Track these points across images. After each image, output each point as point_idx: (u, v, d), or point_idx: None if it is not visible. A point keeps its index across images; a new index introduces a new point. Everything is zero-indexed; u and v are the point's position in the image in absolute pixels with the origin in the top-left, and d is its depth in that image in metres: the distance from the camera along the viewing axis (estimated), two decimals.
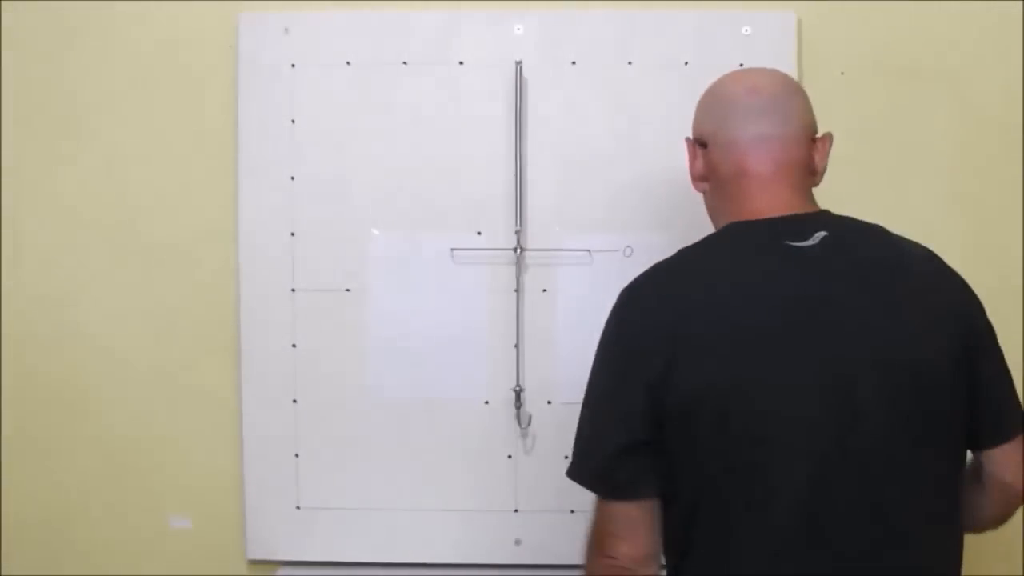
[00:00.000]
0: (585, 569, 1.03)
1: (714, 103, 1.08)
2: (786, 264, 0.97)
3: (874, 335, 0.95)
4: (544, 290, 1.51)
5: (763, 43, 1.48)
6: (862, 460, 0.93)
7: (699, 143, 1.08)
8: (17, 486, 1.59)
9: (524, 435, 1.52)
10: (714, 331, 0.95)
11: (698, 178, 1.09)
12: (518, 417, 1.51)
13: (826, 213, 1.03)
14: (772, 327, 0.94)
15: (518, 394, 1.50)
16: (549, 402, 1.52)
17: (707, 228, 1.47)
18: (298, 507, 1.54)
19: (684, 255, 1.04)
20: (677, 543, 1.00)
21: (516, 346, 1.51)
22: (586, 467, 1.02)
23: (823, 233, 0.98)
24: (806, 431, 0.93)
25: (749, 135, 1.03)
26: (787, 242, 0.98)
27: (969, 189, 1.52)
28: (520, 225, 1.49)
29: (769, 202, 1.02)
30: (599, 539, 1.01)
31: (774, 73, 1.08)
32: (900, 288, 0.98)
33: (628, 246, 1.50)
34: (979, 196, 1.51)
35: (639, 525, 0.98)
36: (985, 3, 1.50)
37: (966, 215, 1.51)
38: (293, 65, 1.51)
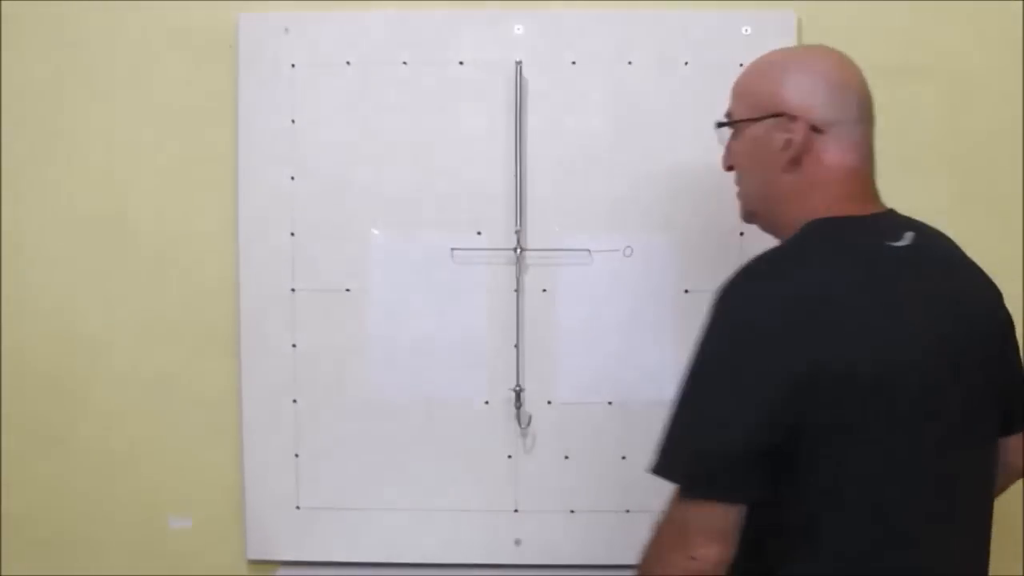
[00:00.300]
0: (654, 567, 1.00)
1: (837, 91, 1.04)
2: (889, 263, 0.99)
3: (966, 333, 1.00)
4: (544, 290, 1.51)
5: (763, 43, 1.45)
6: (952, 457, 0.99)
7: (814, 128, 1.03)
8: (17, 486, 1.59)
9: (524, 435, 1.52)
10: (845, 330, 0.94)
11: (791, 160, 1.04)
12: (518, 417, 1.51)
13: (895, 212, 1.08)
14: (896, 325, 0.96)
15: (518, 394, 1.50)
16: (549, 402, 1.52)
17: (707, 228, 1.48)
18: (298, 507, 1.54)
19: (790, 251, 1.02)
20: (777, 549, 0.97)
21: (516, 346, 1.51)
22: (693, 464, 0.97)
23: (911, 233, 1.02)
24: (935, 436, 0.96)
25: (860, 132, 1.05)
26: (887, 242, 1.01)
27: (969, 189, 1.52)
28: (520, 225, 1.49)
29: (863, 199, 1.05)
30: (684, 538, 0.97)
31: (858, 67, 1.08)
32: (968, 285, 1.05)
33: (628, 246, 1.50)
34: (979, 196, 1.51)
35: (732, 529, 0.95)
36: (985, 3, 1.50)
37: (966, 215, 1.50)
38: (293, 65, 1.51)
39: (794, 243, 1.02)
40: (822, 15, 1.49)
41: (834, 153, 1.04)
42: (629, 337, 1.50)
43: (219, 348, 1.55)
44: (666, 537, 1.00)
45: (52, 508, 1.59)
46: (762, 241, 1.51)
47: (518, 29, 1.50)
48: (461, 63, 1.50)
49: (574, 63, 1.50)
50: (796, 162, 1.04)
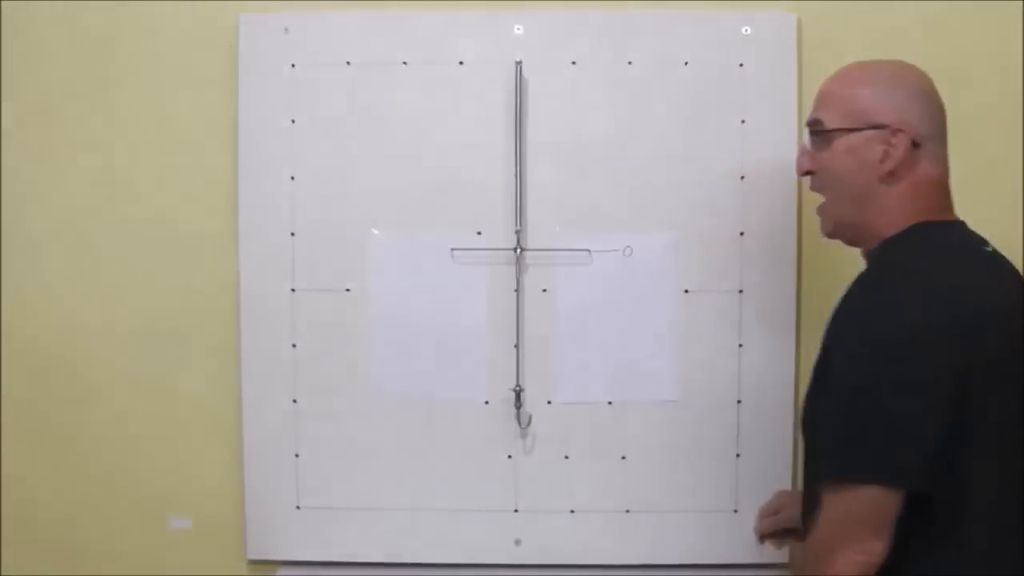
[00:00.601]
0: (824, 567, 1.00)
1: (930, 105, 1.12)
2: (990, 266, 1.09)
3: None
4: (544, 290, 1.51)
5: (763, 43, 1.48)
6: None
7: (914, 142, 1.09)
8: (17, 486, 1.59)
9: (524, 435, 1.52)
10: (994, 326, 1.01)
11: (889, 172, 1.09)
12: (518, 417, 1.51)
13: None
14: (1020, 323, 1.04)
15: (518, 394, 1.50)
16: (549, 402, 1.52)
17: (707, 228, 1.48)
18: (298, 507, 1.54)
19: (914, 253, 1.07)
20: (920, 547, 1.00)
21: (516, 346, 1.51)
22: (882, 461, 0.99)
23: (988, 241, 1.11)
24: None
25: (944, 150, 1.13)
26: (983, 247, 1.10)
27: (969, 189, 1.51)
28: (520, 225, 1.49)
29: (949, 209, 1.13)
30: (850, 534, 0.99)
31: None
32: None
33: (628, 246, 1.50)
34: (979, 196, 1.51)
35: (893, 520, 0.98)
36: (985, 3, 1.50)
37: (966, 215, 1.50)
38: (293, 65, 1.51)
39: (910, 244, 1.08)
40: (822, 15, 1.49)
41: (926, 166, 1.10)
42: (629, 337, 1.50)
43: (219, 348, 1.55)
44: (829, 539, 1.01)
45: (52, 508, 1.59)
46: (762, 241, 1.52)
47: (518, 29, 1.50)
48: (461, 63, 1.50)
49: (574, 63, 1.50)
50: (893, 174, 1.09)
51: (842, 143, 1.11)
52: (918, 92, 1.11)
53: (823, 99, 1.15)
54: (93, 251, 1.56)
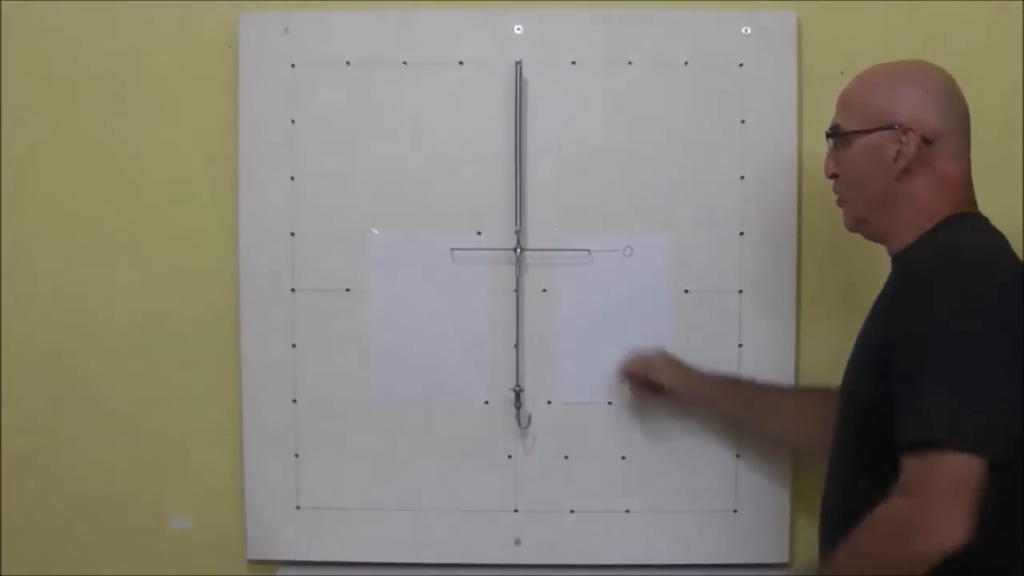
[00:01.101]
0: (905, 557, 0.96)
1: (946, 103, 1.13)
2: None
3: None
4: (544, 290, 1.51)
5: (763, 43, 1.48)
6: None
7: (925, 139, 1.11)
8: (17, 486, 1.59)
9: (524, 435, 1.52)
10: None
11: (903, 170, 1.12)
12: (518, 417, 1.51)
13: None
14: None
15: (518, 394, 1.50)
16: (549, 402, 1.52)
17: (707, 228, 1.48)
18: (298, 507, 1.54)
19: (974, 234, 1.10)
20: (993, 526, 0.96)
21: (516, 346, 1.51)
22: (977, 424, 0.95)
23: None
24: None
25: (964, 142, 1.14)
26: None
27: None
28: (520, 225, 1.49)
29: (970, 202, 1.16)
30: (953, 506, 0.93)
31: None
32: None
33: (628, 246, 1.50)
34: (979, 196, 1.51)
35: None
36: (985, 3, 1.50)
37: None
38: (293, 65, 1.51)
39: (952, 230, 1.10)
40: (822, 15, 1.49)
41: (944, 162, 1.12)
42: (629, 337, 1.50)
43: (219, 348, 1.55)
44: (926, 510, 0.95)
45: (52, 508, 1.59)
46: (762, 241, 1.52)
47: (518, 29, 1.50)
48: (461, 63, 1.50)
49: (574, 63, 1.50)
50: (908, 171, 1.12)
51: (859, 144, 1.15)
52: (933, 89, 1.13)
53: (841, 103, 1.19)
54: (93, 251, 1.56)
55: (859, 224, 1.20)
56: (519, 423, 1.51)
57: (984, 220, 1.15)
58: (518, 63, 1.48)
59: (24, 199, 1.56)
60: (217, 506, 1.57)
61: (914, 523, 0.95)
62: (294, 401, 1.53)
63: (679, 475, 1.51)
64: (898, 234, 1.15)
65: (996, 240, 1.11)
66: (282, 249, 1.52)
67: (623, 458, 1.52)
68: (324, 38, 1.51)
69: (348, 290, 1.52)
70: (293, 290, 1.53)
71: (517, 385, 1.50)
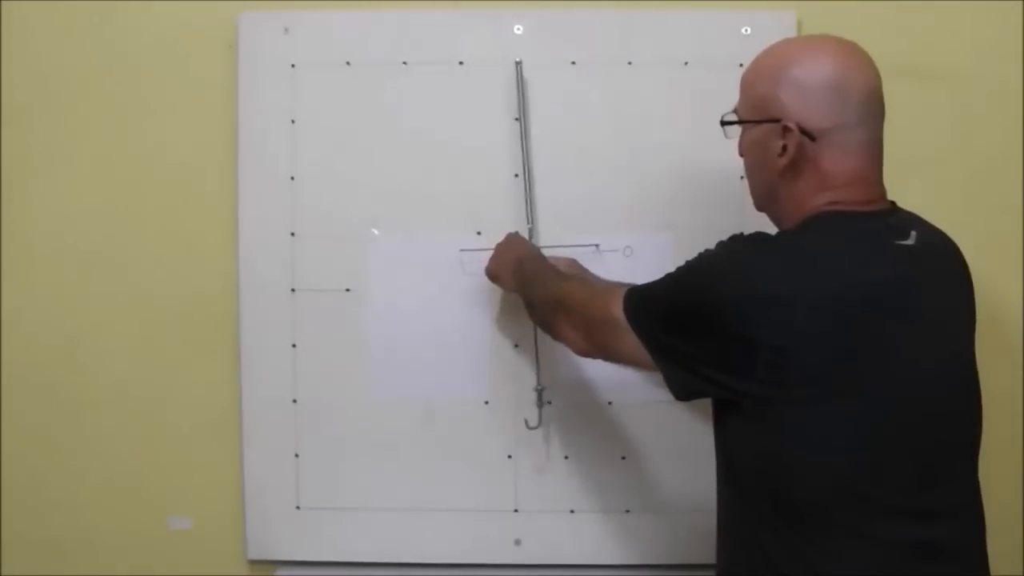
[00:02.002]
0: None
1: (835, 95, 1.04)
2: (898, 261, 1.02)
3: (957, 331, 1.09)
4: None
5: (763, 43, 1.45)
6: None
7: (806, 133, 1.03)
8: (17, 486, 1.59)
9: (543, 436, 1.51)
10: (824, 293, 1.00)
11: (787, 166, 1.06)
12: (539, 416, 1.49)
13: (896, 207, 1.10)
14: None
15: (540, 393, 1.49)
16: (549, 402, 1.51)
17: (707, 228, 1.47)
18: (298, 507, 1.54)
19: (795, 234, 1.07)
20: None
21: (516, 346, 1.51)
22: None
23: (915, 232, 1.05)
24: None
25: (862, 134, 1.05)
26: (896, 240, 1.03)
27: (969, 189, 1.52)
28: (532, 223, 1.48)
29: (867, 195, 1.06)
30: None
31: (867, 57, 1.09)
32: (964, 284, 1.12)
33: (628, 246, 1.50)
34: (979, 196, 1.51)
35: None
36: (985, 3, 1.50)
37: (965, 215, 1.50)
38: (293, 65, 1.51)
39: (795, 232, 1.06)
40: (822, 15, 1.49)
41: (831, 159, 1.04)
42: None
43: (219, 348, 1.55)
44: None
45: (52, 508, 1.59)
46: None
47: (518, 29, 1.50)
48: (461, 63, 1.50)
49: (574, 63, 1.50)
50: (793, 167, 1.06)
51: (750, 133, 1.11)
52: (823, 82, 1.03)
53: (740, 85, 1.14)
54: (93, 251, 1.56)
55: (760, 209, 1.17)
56: (536, 421, 1.49)
57: (847, 221, 1.03)
58: (518, 63, 1.48)
59: (24, 199, 1.57)
60: (217, 506, 1.57)
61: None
62: (294, 401, 1.53)
63: (679, 475, 1.51)
64: (783, 227, 1.11)
65: (821, 238, 1.02)
66: (282, 249, 1.52)
67: (623, 458, 1.52)
68: (324, 38, 1.51)
69: (348, 290, 1.52)
70: (293, 290, 1.53)
71: (538, 384, 1.50)
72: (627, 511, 1.52)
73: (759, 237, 1.06)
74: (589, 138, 1.50)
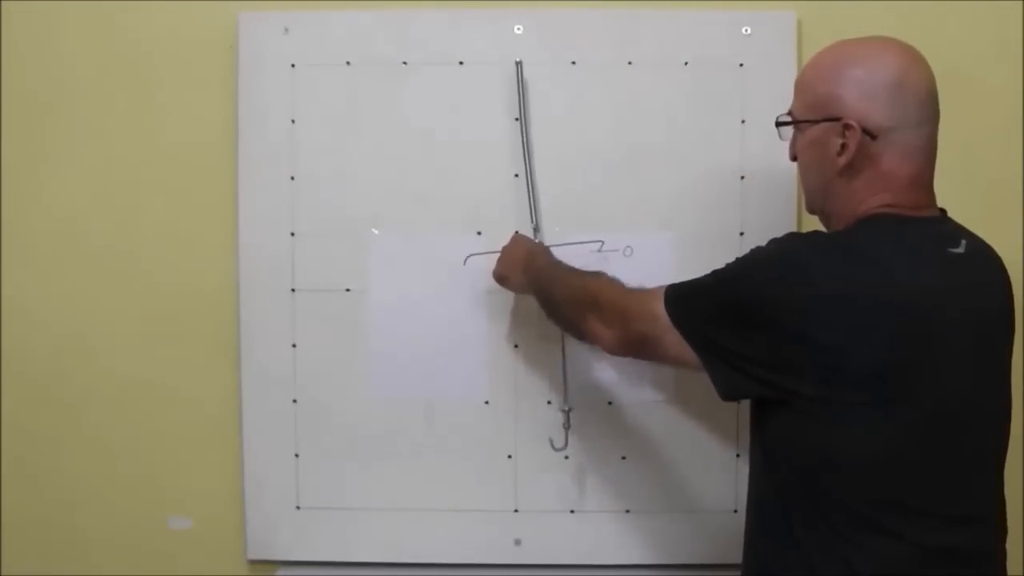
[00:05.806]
0: None
1: (896, 94, 1.04)
2: (950, 269, 1.03)
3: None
4: None
5: (763, 43, 1.48)
6: None
7: (867, 132, 1.04)
8: (17, 486, 1.59)
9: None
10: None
11: (846, 165, 1.06)
12: (566, 437, 1.47)
13: (946, 214, 1.11)
14: None
15: (567, 414, 1.47)
16: (549, 402, 1.52)
17: (707, 228, 1.48)
18: (298, 507, 1.54)
19: (852, 235, 1.06)
20: None
21: (516, 346, 1.51)
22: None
23: (964, 240, 1.07)
24: None
25: (920, 135, 1.06)
26: (948, 248, 1.04)
27: (969, 189, 1.51)
28: (536, 222, 1.48)
29: (917, 203, 1.06)
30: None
31: (924, 59, 1.09)
32: (1006, 293, 1.12)
33: (628, 246, 1.50)
34: (979, 196, 1.51)
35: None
36: (985, 3, 1.50)
37: (966, 215, 1.50)
38: (293, 65, 1.51)
39: (853, 232, 1.06)
40: (822, 15, 1.49)
41: (890, 159, 1.05)
42: None
43: (219, 348, 1.55)
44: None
45: (52, 508, 1.59)
46: (762, 241, 1.51)
47: (518, 29, 1.50)
48: (461, 63, 1.50)
49: (574, 63, 1.50)
50: (851, 167, 1.06)
51: (808, 133, 1.10)
52: (884, 81, 1.04)
53: (797, 85, 1.14)
54: (93, 251, 1.56)
55: (813, 210, 1.16)
56: (558, 444, 1.47)
57: (901, 225, 1.04)
58: (518, 63, 1.48)
59: (24, 199, 1.57)
60: (217, 506, 1.57)
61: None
62: (294, 401, 1.53)
63: (679, 475, 1.51)
64: (832, 228, 1.11)
65: (874, 242, 1.02)
66: (282, 249, 1.52)
67: (623, 458, 1.52)
68: (324, 38, 1.51)
69: (348, 290, 1.52)
70: (293, 290, 1.53)
71: (566, 404, 1.48)
72: (627, 511, 1.52)
73: (818, 236, 1.07)
74: (589, 138, 1.50)
